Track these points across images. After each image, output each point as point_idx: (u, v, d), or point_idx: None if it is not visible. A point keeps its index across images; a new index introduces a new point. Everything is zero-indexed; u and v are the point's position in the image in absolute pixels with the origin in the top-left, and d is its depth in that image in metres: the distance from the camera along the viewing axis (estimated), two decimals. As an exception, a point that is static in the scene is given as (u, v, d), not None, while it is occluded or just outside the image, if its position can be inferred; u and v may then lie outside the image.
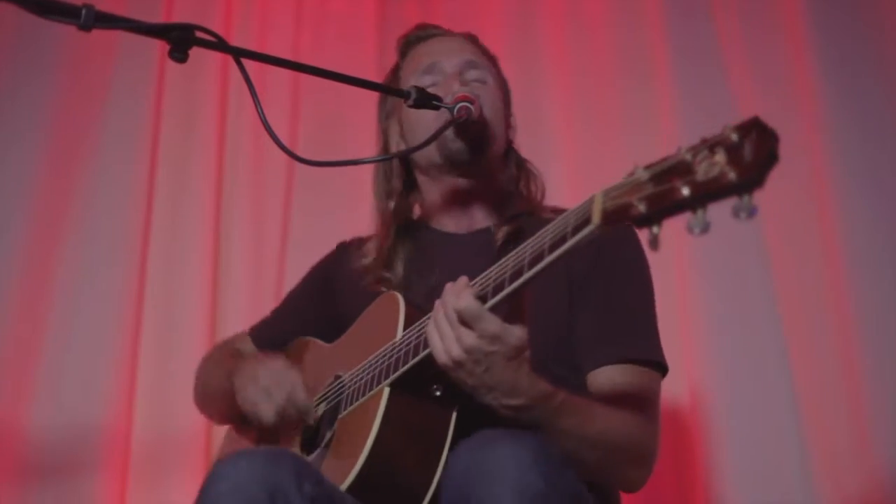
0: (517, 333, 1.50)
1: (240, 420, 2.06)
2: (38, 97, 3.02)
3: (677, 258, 2.81)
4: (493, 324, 1.48)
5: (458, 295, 1.50)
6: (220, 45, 1.76)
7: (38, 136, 2.99)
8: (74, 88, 3.05)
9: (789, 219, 2.80)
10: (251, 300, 2.91)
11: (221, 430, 2.23)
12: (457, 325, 1.49)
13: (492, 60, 2.09)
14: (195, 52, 1.73)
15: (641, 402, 1.75)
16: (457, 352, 1.50)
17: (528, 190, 2.04)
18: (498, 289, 1.49)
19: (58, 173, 2.98)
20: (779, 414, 2.68)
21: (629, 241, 1.91)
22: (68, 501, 2.72)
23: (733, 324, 2.77)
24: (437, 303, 1.54)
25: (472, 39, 2.10)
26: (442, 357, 1.52)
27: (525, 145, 2.12)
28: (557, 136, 2.94)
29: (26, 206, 2.93)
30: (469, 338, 1.49)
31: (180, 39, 1.69)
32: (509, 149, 2.07)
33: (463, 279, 1.53)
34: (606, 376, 1.77)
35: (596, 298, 1.84)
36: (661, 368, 1.83)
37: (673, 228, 2.73)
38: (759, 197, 2.86)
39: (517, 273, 1.47)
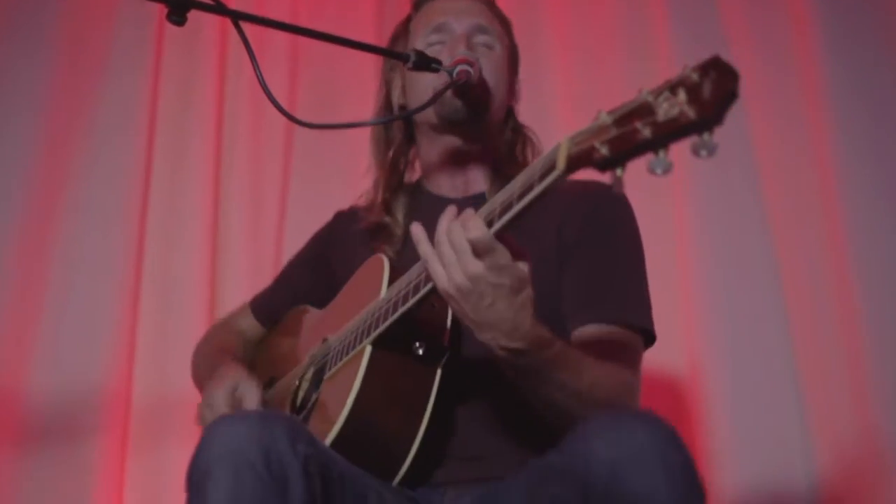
0: (521, 267, 1.48)
1: None
2: (37, 64, 3.01)
3: (678, 229, 2.80)
4: (503, 256, 1.45)
5: (468, 224, 1.46)
6: (218, 7, 1.76)
7: (37, 105, 2.98)
8: (73, 56, 3.04)
9: (791, 191, 2.79)
10: (250, 264, 2.91)
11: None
12: (463, 252, 1.45)
13: (505, 26, 2.07)
14: (194, 16, 1.72)
15: (624, 363, 1.73)
16: (460, 279, 1.46)
17: (524, 156, 2.03)
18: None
19: (57, 141, 2.97)
20: (779, 385, 2.66)
21: (620, 208, 1.90)
22: (68, 465, 2.72)
23: (734, 295, 2.75)
24: (438, 231, 1.49)
25: (487, 2, 2.08)
26: (445, 286, 1.48)
27: (525, 120, 2.10)
28: (558, 113, 2.91)
29: (26, 171, 2.92)
30: (476, 266, 1.44)
31: (178, 2, 1.69)
32: (509, 114, 2.06)
33: (469, 210, 1.50)
34: (591, 333, 1.76)
35: (585, 262, 1.83)
36: (647, 336, 1.82)
37: (673, 202, 2.75)
38: (762, 169, 2.86)
39: (487, 225, 1.45)
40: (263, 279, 2.77)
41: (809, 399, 2.64)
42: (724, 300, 2.75)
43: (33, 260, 2.87)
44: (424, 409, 1.66)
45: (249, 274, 2.88)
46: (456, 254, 1.46)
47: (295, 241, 2.65)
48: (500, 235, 1.45)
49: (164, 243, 2.92)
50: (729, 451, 2.64)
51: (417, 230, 1.54)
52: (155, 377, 2.81)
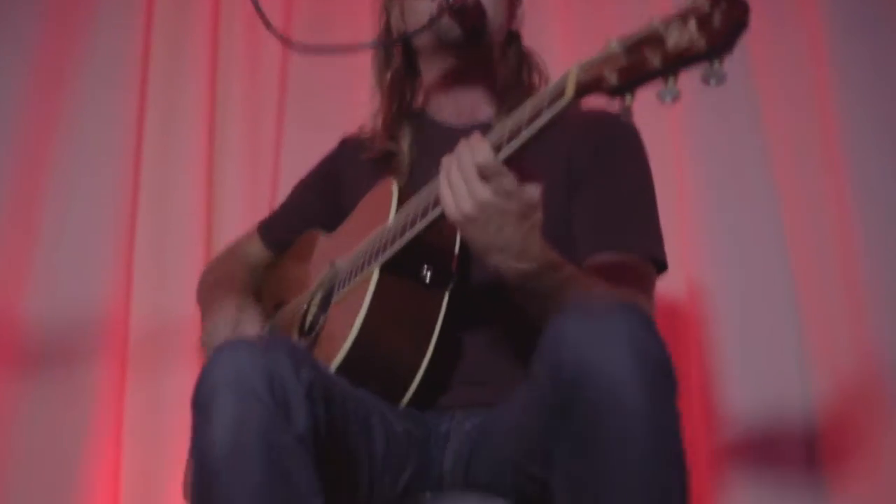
0: (530, 191, 1.48)
1: None
2: (28, 5, 2.96)
3: (677, 154, 2.78)
4: (510, 181, 1.46)
5: (475, 149, 1.47)
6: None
7: (29, 41, 2.93)
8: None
9: (791, 120, 2.76)
10: (247, 188, 2.90)
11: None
12: (471, 178, 1.46)
13: None
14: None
15: (637, 289, 1.74)
16: (468, 206, 1.46)
17: (530, 81, 2.01)
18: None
19: (51, 74, 2.93)
20: (778, 309, 2.67)
21: (630, 137, 1.90)
22: (67, 391, 2.73)
23: (733, 220, 2.75)
24: (447, 158, 1.50)
25: None
26: (452, 212, 1.49)
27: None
28: (556, 56, 2.86)
29: (20, 108, 2.89)
30: (484, 192, 1.45)
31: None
32: (513, 39, 2.03)
33: (477, 133, 1.50)
34: (603, 261, 1.76)
35: (595, 191, 1.83)
36: (659, 264, 1.82)
37: (673, 126, 2.73)
38: (762, 99, 2.82)
39: (496, 150, 1.46)
40: (259, 202, 2.78)
41: (807, 323, 2.65)
42: (723, 225, 2.75)
43: (29, 185, 2.85)
44: (431, 334, 1.68)
45: (246, 197, 2.88)
46: (463, 179, 1.47)
47: (291, 168, 2.67)
48: (509, 162, 1.45)
49: (161, 169, 2.91)
50: (726, 374, 2.66)
51: (445, 160, 1.53)
52: (153, 302, 2.81)
